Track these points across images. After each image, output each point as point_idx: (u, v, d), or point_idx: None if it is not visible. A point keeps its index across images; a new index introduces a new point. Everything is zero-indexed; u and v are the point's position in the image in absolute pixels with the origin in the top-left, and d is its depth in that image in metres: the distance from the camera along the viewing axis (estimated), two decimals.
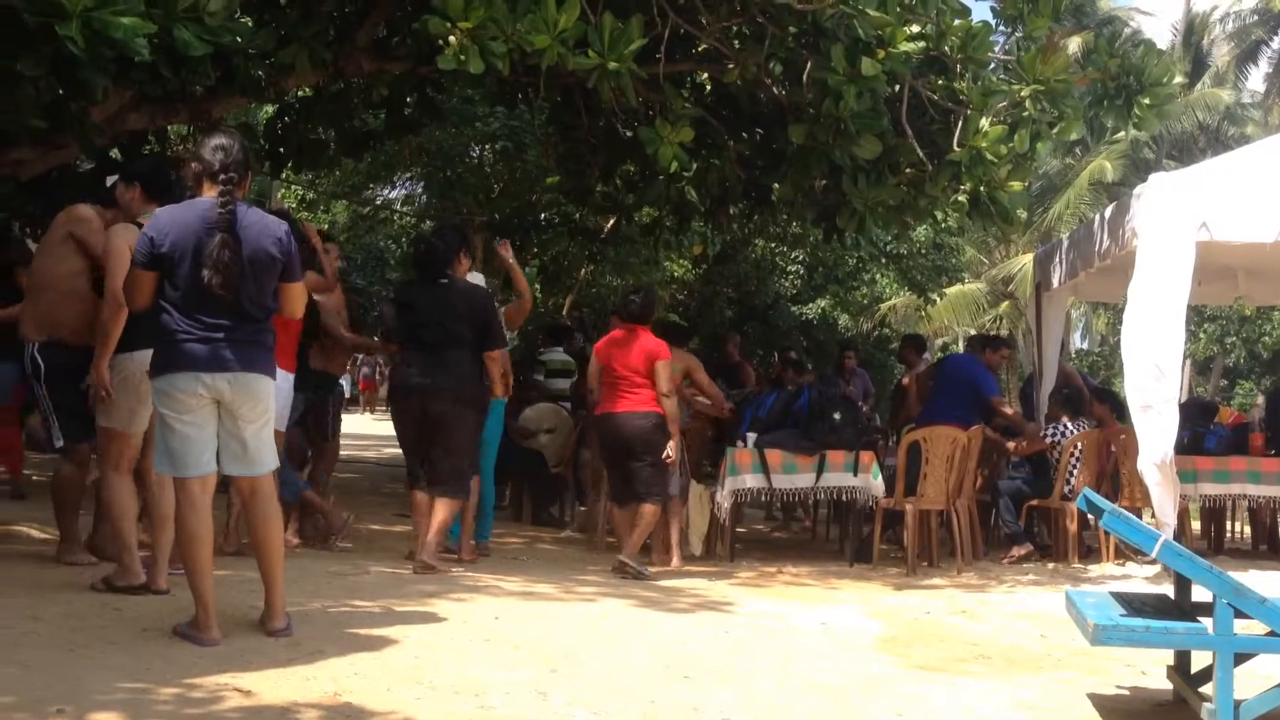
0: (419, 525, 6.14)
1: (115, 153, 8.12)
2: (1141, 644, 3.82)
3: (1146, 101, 7.24)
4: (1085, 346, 34.58)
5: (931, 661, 4.71)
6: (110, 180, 7.51)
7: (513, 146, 12.70)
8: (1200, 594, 3.87)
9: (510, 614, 4.98)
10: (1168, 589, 4.58)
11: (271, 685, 3.59)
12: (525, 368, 9.71)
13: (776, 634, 5.08)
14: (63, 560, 5.25)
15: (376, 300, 15.43)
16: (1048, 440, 8.20)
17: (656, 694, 3.94)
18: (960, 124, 7.00)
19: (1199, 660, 3.97)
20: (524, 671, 4.07)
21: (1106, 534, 7.41)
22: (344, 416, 7.93)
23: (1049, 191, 25.10)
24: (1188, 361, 24.93)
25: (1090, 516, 5.61)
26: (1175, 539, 5.69)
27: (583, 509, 8.77)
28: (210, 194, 4.04)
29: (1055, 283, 9.24)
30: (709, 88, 8.85)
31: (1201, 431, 8.46)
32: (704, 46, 7.49)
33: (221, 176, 4.01)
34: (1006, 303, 24.89)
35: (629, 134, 8.27)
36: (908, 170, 7.46)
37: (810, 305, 17.42)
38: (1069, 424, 8.21)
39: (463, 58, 5.92)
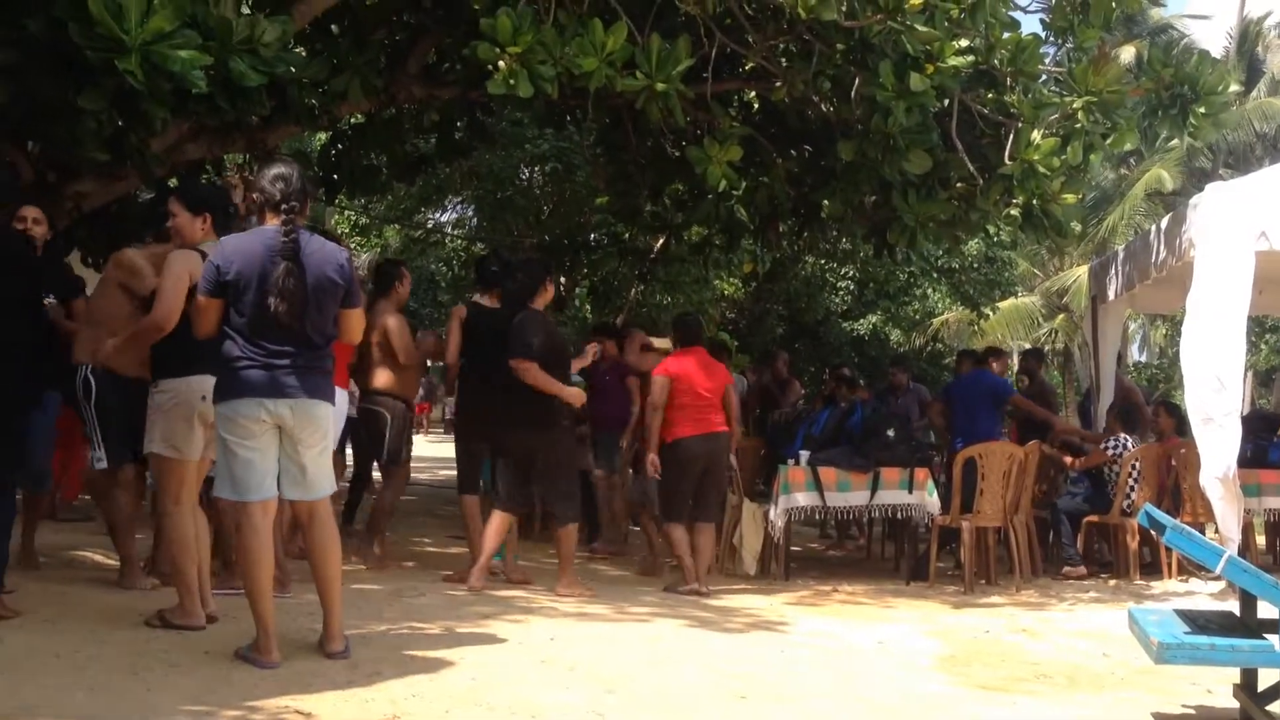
0: (477, 542, 6.24)
1: (174, 183, 8.27)
2: (1207, 662, 3.76)
3: (1202, 110, 7.14)
4: (1143, 359, 34.07)
5: (992, 681, 4.65)
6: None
7: (562, 168, 12.79)
8: (1266, 610, 3.80)
9: (565, 635, 4.99)
10: (1232, 606, 4.49)
11: (331, 707, 3.63)
12: None
13: (833, 653, 5.05)
14: (124, 585, 5.31)
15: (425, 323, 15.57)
16: (1108, 453, 8.08)
17: (712, 715, 3.93)
18: (1011, 137, 6.95)
19: (1266, 678, 3.89)
20: (580, 693, 4.07)
21: (1168, 550, 7.30)
22: None
23: (1103, 203, 24.78)
24: (1249, 373, 24.47)
25: (1152, 532, 5.53)
26: (1239, 554, 5.58)
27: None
28: (272, 223, 4.12)
29: (1111, 295, 9.12)
30: (756, 106, 8.85)
31: (1265, 444, 8.31)
32: (751, 65, 7.51)
33: (283, 206, 4.09)
34: (1061, 316, 24.58)
35: (677, 153, 8.28)
36: (958, 185, 7.42)
37: (861, 321, 17.33)
38: (1126, 437, 8.10)
39: (512, 82, 5.98)
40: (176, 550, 4.66)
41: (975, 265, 16.63)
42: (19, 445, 4.65)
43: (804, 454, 7.49)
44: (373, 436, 6.68)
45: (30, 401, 4.76)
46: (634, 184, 9.72)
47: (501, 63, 5.95)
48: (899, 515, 7.67)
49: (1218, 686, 4.40)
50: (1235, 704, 4.06)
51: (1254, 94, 28.19)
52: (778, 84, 7.19)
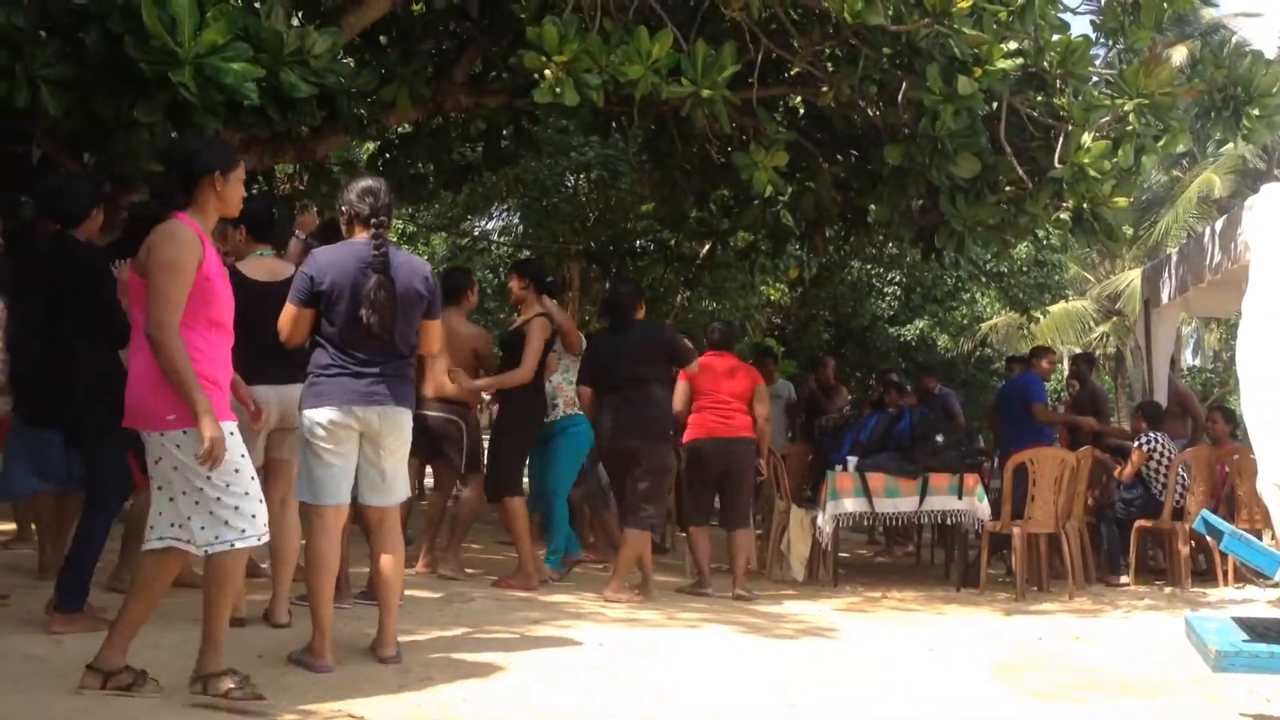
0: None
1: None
2: (1266, 670, 3.70)
3: (1255, 112, 7.05)
4: (1197, 363, 33.53)
5: (1045, 689, 4.60)
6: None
7: (607, 175, 12.82)
8: None
9: (615, 641, 4.99)
10: None
11: (383, 712, 3.65)
12: None
13: (883, 661, 5.01)
14: (114, 586, 5.21)
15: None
16: (1143, 450, 7.96)
17: None
18: (1061, 140, 6.89)
19: None
20: (630, 699, 4.07)
21: (1224, 556, 7.19)
22: None
23: (1155, 205, 24.45)
24: None
25: (1209, 539, 5.45)
26: None
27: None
28: (361, 236, 4.22)
29: (1165, 298, 9.01)
30: (802, 111, 8.84)
31: None
32: (796, 70, 7.50)
33: (373, 220, 4.21)
34: (1113, 319, 24.28)
35: (723, 159, 8.28)
36: (1007, 188, 7.36)
37: (908, 326, 17.21)
38: (1155, 434, 7.98)
39: (558, 90, 6.02)
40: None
41: (1024, 269, 16.47)
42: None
43: (852, 460, 7.46)
44: (452, 445, 6.65)
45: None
46: (679, 190, 9.74)
47: (548, 71, 5.99)
48: (948, 521, 7.61)
49: (1277, 695, 4.33)
50: None
51: None
52: (823, 89, 7.18)
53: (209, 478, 3.52)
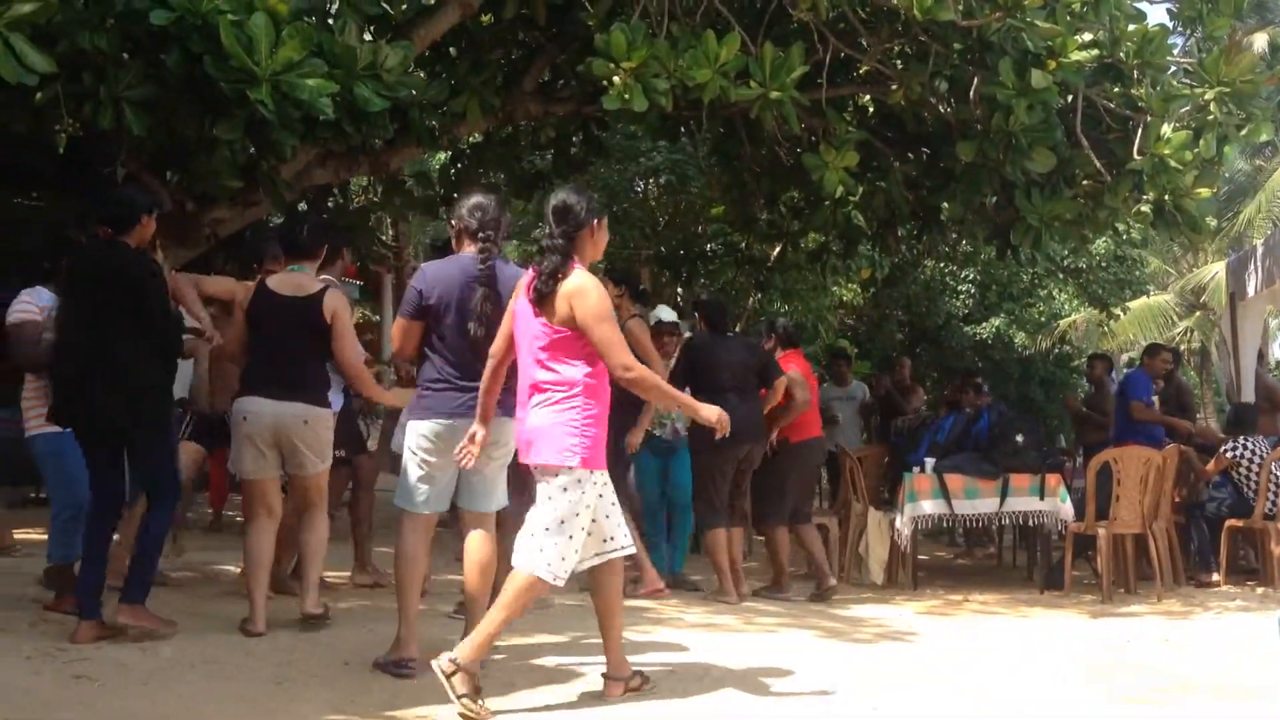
0: (723, 560, 6.45)
1: (303, 206, 8.56)
2: None
3: None
4: None
5: (1135, 693, 4.50)
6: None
7: (676, 179, 12.81)
8: None
9: (695, 645, 4.99)
10: None
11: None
12: None
13: (967, 665, 4.94)
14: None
15: None
16: (1229, 456, 7.76)
17: None
18: (1140, 131, 6.76)
19: None
20: (711, 703, 4.06)
21: None
22: None
23: (1238, 196, 23.83)
24: None
25: None
26: None
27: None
28: (469, 250, 4.28)
29: (1251, 291, 8.80)
30: (872, 110, 8.77)
31: None
32: (866, 69, 7.44)
33: (480, 234, 4.26)
34: (1197, 314, 23.69)
35: (792, 161, 8.25)
36: (1085, 182, 7.23)
37: (984, 325, 16.94)
38: (1245, 439, 7.77)
39: (627, 96, 6.04)
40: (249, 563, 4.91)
41: (1104, 264, 16.12)
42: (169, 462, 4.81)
43: (929, 461, 7.36)
44: None
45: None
46: (749, 193, 9.71)
47: (616, 78, 6.01)
48: (1030, 522, 7.48)
49: None
50: None
51: None
52: (894, 87, 7.12)
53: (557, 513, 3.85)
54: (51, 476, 5.14)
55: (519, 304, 3.94)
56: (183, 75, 5.32)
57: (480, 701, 3.66)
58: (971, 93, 6.80)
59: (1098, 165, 6.83)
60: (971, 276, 16.57)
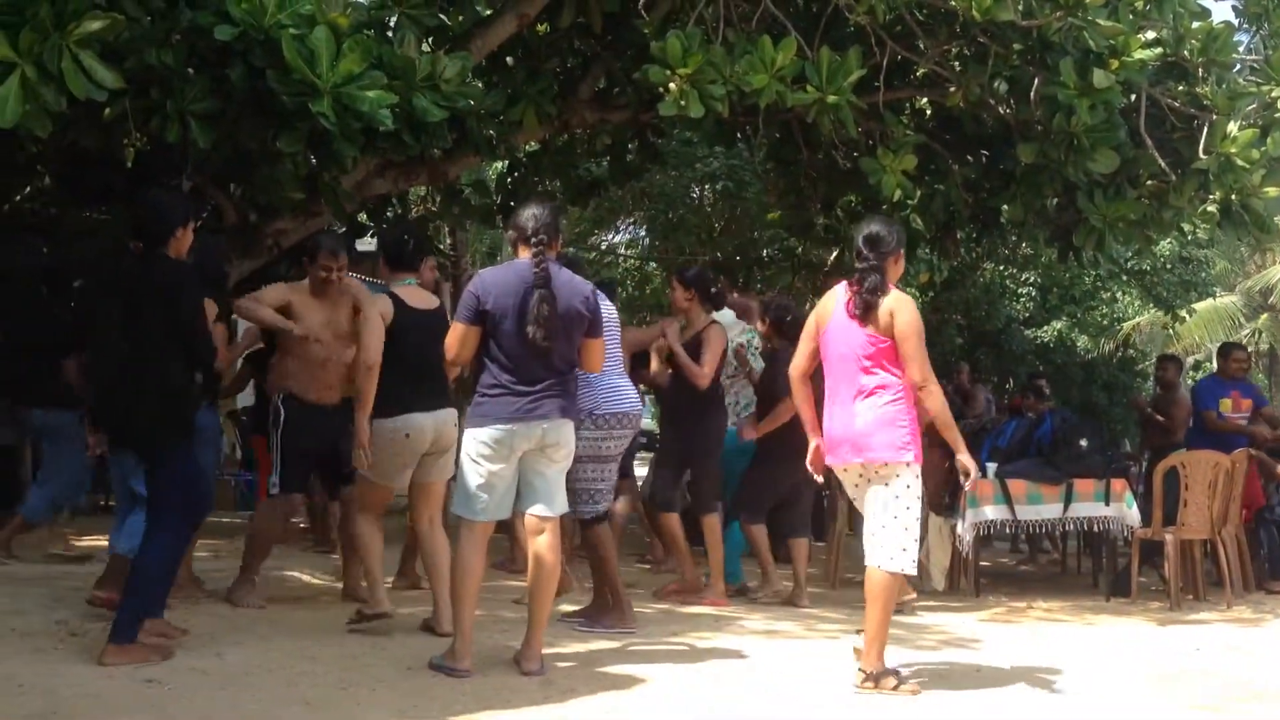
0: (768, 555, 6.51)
1: (363, 216, 8.67)
2: None
3: None
4: None
5: (1204, 701, 4.42)
6: (361, 245, 8.02)
7: (733, 185, 12.81)
8: None
9: (756, 652, 4.97)
10: None
11: None
12: None
13: (1032, 672, 4.87)
14: (230, 599, 5.39)
15: None
16: None
17: None
18: (1205, 130, 6.63)
19: None
20: (775, 710, 4.05)
21: None
22: None
23: None
24: None
25: None
26: None
27: None
28: (524, 255, 4.33)
29: None
30: (930, 112, 8.69)
31: None
32: (923, 71, 7.38)
33: (533, 240, 4.31)
34: (1265, 315, 23.24)
35: (849, 165, 8.20)
36: (1149, 182, 7.11)
37: (1045, 328, 16.74)
38: None
39: (683, 103, 6.04)
40: (364, 552, 5.01)
41: (1168, 266, 15.87)
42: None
43: (991, 466, 7.28)
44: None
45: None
46: (806, 197, 9.66)
47: (672, 84, 6.01)
48: (1095, 528, 7.37)
49: None
50: None
51: None
52: (952, 89, 7.05)
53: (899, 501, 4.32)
54: (113, 474, 5.28)
55: (833, 320, 4.43)
56: (246, 89, 5.41)
57: (908, 680, 4.36)
58: (1032, 93, 6.71)
59: (1162, 165, 6.72)
60: (1032, 279, 16.38)
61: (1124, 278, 16.00)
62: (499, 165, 10.97)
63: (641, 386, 6.62)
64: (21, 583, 5.61)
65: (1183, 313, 17.77)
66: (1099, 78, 6.21)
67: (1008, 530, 7.95)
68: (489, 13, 7.29)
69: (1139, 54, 6.26)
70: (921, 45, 6.86)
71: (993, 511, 7.14)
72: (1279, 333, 22.74)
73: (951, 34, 6.80)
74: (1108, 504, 7.12)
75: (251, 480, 10.52)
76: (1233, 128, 6.57)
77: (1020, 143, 6.97)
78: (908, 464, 4.29)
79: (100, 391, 4.53)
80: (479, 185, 10.41)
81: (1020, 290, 16.62)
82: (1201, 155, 6.62)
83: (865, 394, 4.31)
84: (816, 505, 8.92)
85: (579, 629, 5.24)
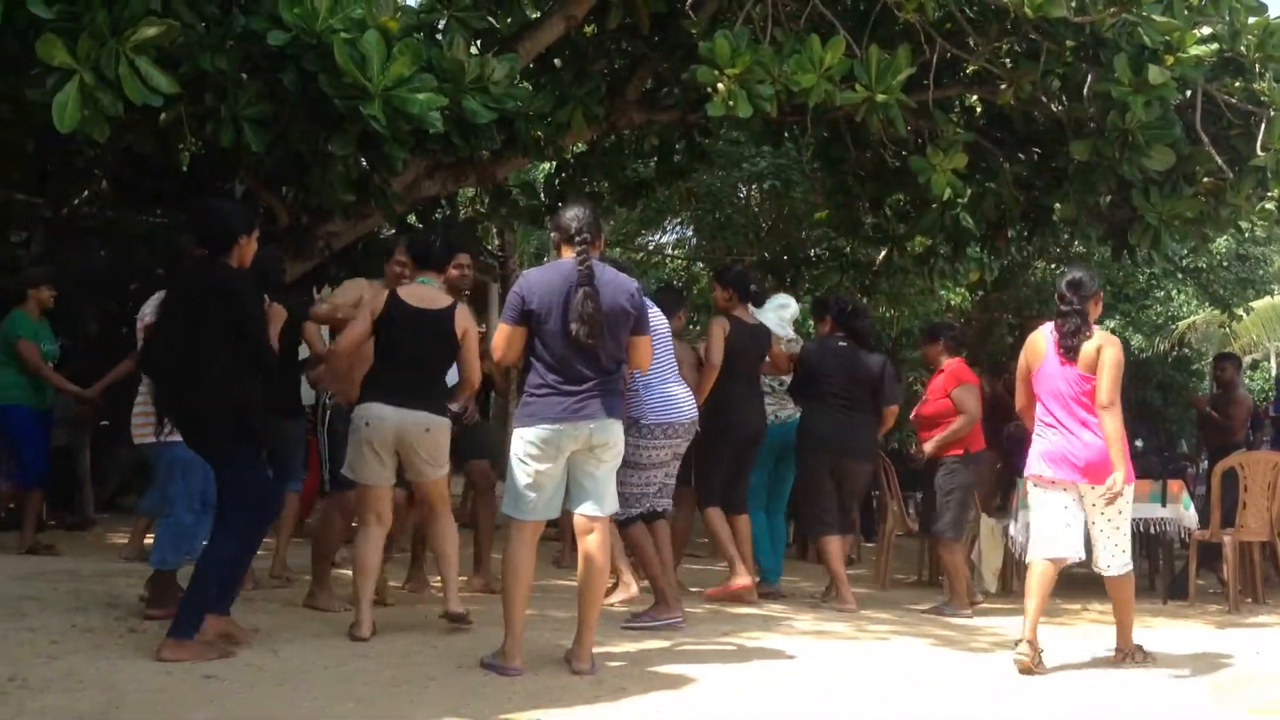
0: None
1: (412, 218, 8.74)
2: None
3: None
4: None
5: (1265, 705, 4.35)
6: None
7: (780, 184, 12.75)
8: None
9: (806, 653, 4.95)
10: None
11: None
12: None
13: (1087, 676, 4.82)
14: (311, 604, 5.46)
15: None
16: None
17: None
18: (1263, 127, 6.53)
19: None
20: (822, 713, 4.03)
21: None
22: None
23: None
24: None
25: None
26: None
27: None
28: (568, 255, 4.36)
29: None
30: (980, 110, 8.62)
31: None
32: (974, 69, 7.32)
33: (577, 239, 4.33)
34: None
35: (898, 164, 8.15)
36: (1205, 179, 7.02)
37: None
38: None
39: (731, 103, 6.03)
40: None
41: (1225, 263, 15.61)
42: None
43: None
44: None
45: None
46: (854, 196, 9.61)
47: (720, 84, 6.00)
48: (1152, 530, 7.26)
49: None
50: None
51: None
52: (1003, 86, 6.99)
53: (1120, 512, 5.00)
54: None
55: (1045, 361, 4.99)
56: (298, 93, 5.47)
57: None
58: (1085, 90, 6.63)
59: (1219, 162, 6.61)
60: None
61: (1179, 275, 15.77)
62: (547, 166, 11.02)
63: None
64: (82, 580, 5.70)
65: (1240, 311, 17.48)
66: (1154, 74, 6.12)
67: None
68: (537, 15, 7.32)
69: (1194, 50, 6.18)
70: (972, 42, 6.81)
71: None
72: None
73: (1002, 30, 6.74)
74: (1164, 505, 7.02)
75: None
76: None
77: (1073, 140, 6.89)
78: (1129, 485, 4.95)
79: (165, 396, 4.55)
80: (527, 186, 10.46)
81: None
82: (1259, 152, 6.53)
83: (1089, 427, 4.88)
84: (865, 506, 8.91)
85: (625, 627, 5.25)
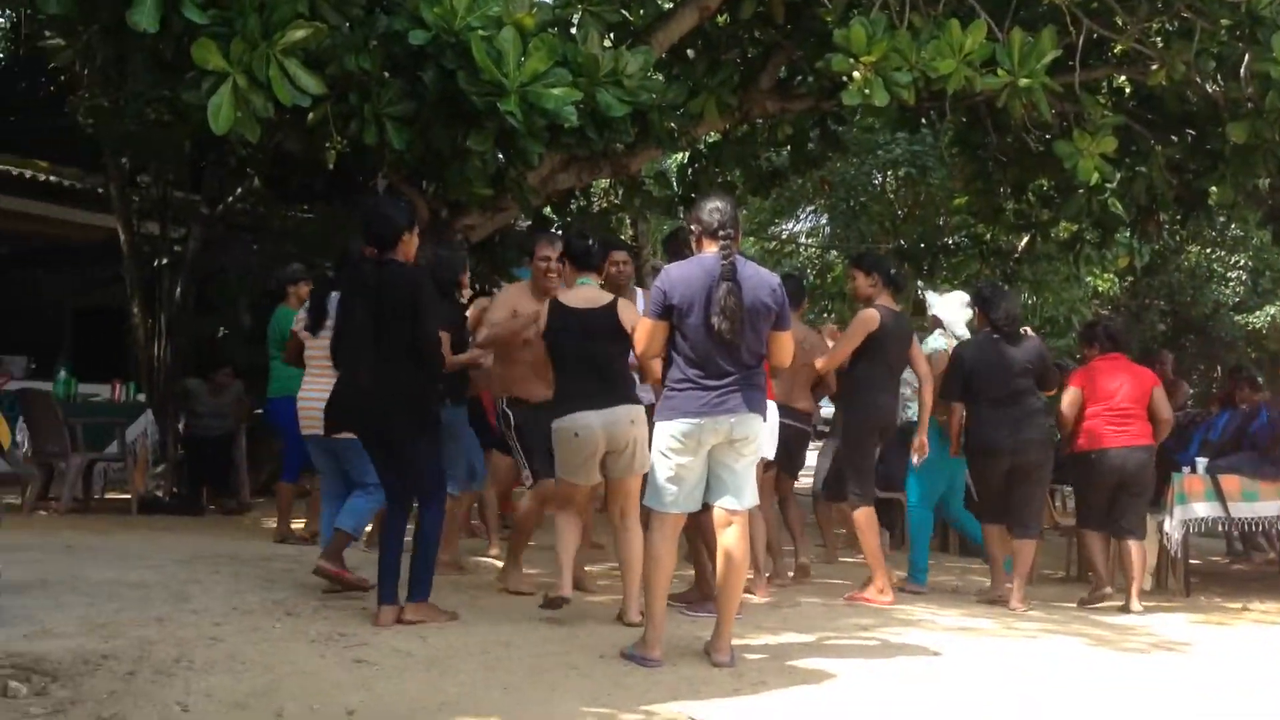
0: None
1: (548, 210, 8.85)
2: None
3: None
4: None
5: None
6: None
7: (916, 171, 12.55)
8: None
9: (950, 649, 4.86)
10: None
11: (721, 714, 3.71)
12: None
13: (1249, 679, 4.62)
14: (504, 586, 5.67)
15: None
16: None
17: None
18: None
19: None
20: (969, 711, 3.95)
21: None
22: None
23: None
24: None
25: None
26: None
27: None
28: (710, 249, 4.36)
29: None
30: (1129, 91, 8.32)
31: None
32: (1122, 49, 7.06)
33: (720, 233, 4.33)
34: None
35: (1041, 148, 7.92)
36: None
37: (1257, 314, 15.81)
38: None
39: (867, 91, 5.95)
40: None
41: None
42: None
43: (1201, 461, 6.92)
44: (798, 454, 6.68)
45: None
46: (994, 182, 9.39)
47: (856, 73, 5.92)
48: None
49: None
50: None
51: None
52: (1154, 67, 6.74)
53: None
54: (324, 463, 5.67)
55: None
56: (438, 90, 5.59)
57: None
58: (1242, 70, 6.35)
59: None
60: (1242, 262, 15.52)
61: None
62: (680, 157, 11.04)
63: None
64: (242, 563, 5.94)
65: None
66: None
67: (1220, 528, 7.52)
68: (670, 6, 7.32)
69: None
70: (1120, 21, 6.57)
71: (1204, 509, 6.81)
72: None
73: (1153, 9, 6.51)
74: None
75: None
76: None
77: (1230, 121, 6.62)
78: None
79: (348, 389, 4.79)
80: (660, 177, 10.50)
81: (1229, 274, 15.77)
82: None
83: None
84: None
85: (684, 614, 5.19)
